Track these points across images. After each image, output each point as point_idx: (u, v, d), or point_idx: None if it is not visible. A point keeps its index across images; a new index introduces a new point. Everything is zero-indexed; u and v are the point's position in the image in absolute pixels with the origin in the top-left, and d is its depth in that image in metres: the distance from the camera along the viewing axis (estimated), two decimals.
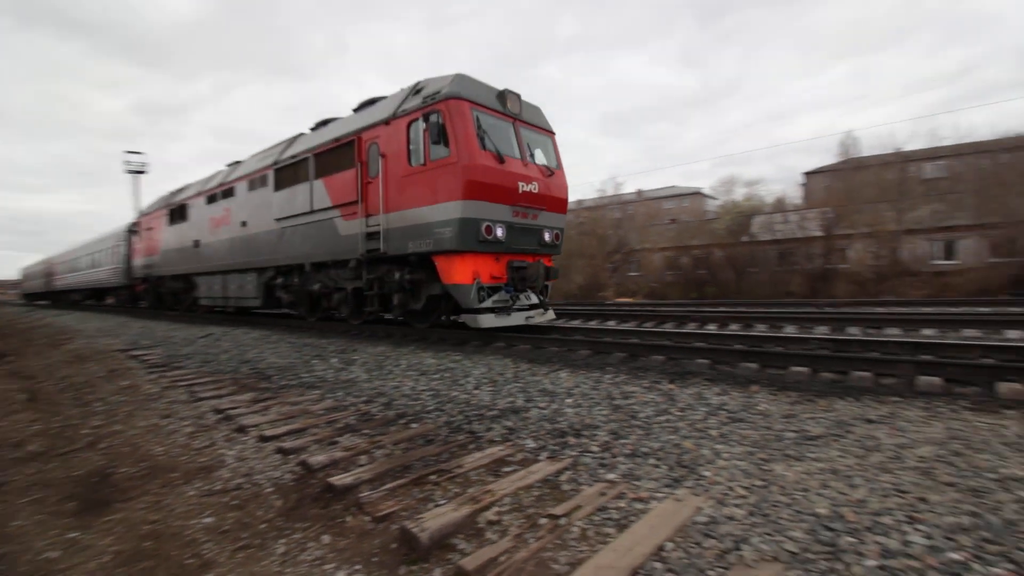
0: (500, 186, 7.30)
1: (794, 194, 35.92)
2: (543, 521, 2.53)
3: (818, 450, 3.16)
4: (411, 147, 7.80)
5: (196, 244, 14.43)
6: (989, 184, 21.60)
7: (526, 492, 2.88)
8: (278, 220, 10.79)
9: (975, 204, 21.83)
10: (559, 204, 8.55)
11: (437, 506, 2.72)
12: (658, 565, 2.09)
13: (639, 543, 2.24)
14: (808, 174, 37.32)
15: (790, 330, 8.20)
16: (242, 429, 4.37)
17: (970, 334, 6.97)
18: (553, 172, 8.50)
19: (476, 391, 5.14)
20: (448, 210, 7.13)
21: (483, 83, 7.87)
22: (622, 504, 2.66)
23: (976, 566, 1.96)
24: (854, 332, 7.66)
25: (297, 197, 10.16)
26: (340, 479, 3.07)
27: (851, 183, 24.25)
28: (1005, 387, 3.86)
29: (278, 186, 10.81)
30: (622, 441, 3.54)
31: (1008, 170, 21.21)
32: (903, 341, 5.63)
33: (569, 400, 4.59)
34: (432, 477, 3.13)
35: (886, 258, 20.90)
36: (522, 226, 7.86)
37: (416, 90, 8.04)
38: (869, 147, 24.96)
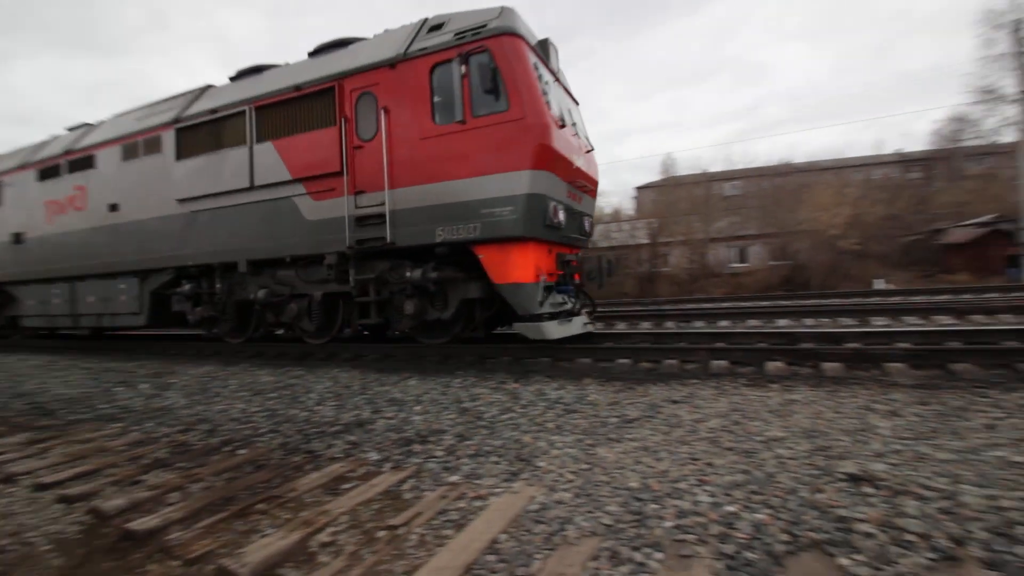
0: (563, 157, 5.85)
1: (628, 206, 40.27)
2: (381, 534, 2.48)
3: (634, 431, 3.57)
4: (437, 99, 5.96)
5: (16, 239, 10.19)
6: (768, 201, 26.67)
7: (365, 507, 2.79)
8: (183, 201, 7.82)
9: (759, 217, 26.74)
10: (595, 187, 7.39)
11: (263, 536, 2.50)
12: (491, 558, 2.18)
13: (475, 540, 2.31)
14: (639, 188, 42.16)
15: (621, 326, 9.17)
16: (10, 479, 3.54)
17: (752, 323, 8.49)
18: (592, 148, 7.31)
19: (319, 407, 4.85)
20: (508, 183, 5.50)
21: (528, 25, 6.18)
22: (462, 504, 2.72)
23: (745, 514, 2.38)
24: (670, 326, 8.84)
25: (222, 168, 7.43)
26: (142, 523, 2.65)
27: (671, 198, 28.06)
28: (771, 365, 4.78)
29: (183, 153, 7.87)
30: (467, 443, 3.62)
31: (780, 191, 26.44)
32: (703, 332, 6.66)
33: (418, 408, 4.56)
34: (260, 506, 2.86)
35: (697, 262, 24.51)
36: (573, 210, 6.53)
37: (434, 26, 6.20)
38: (684, 167, 29.23)
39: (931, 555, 1.97)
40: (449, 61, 5.83)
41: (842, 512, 2.29)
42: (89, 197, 9.09)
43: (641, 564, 2.05)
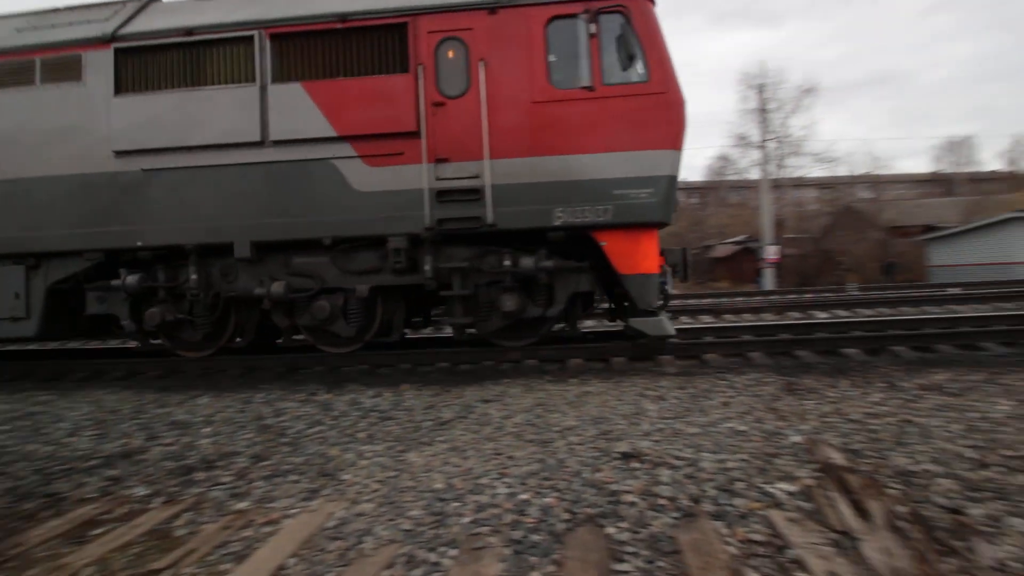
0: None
1: None
2: None
3: (447, 433, 3.64)
4: (553, 57, 5.21)
5: None
6: None
7: (121, 553, 2.34)
8: (126, 155, 5.60)
9: None
10: None
11: None
12: None
13: (258, 570, 2.10)
14: None
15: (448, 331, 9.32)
16: None
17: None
18: None
19: (71, 439, 3.95)
20: (648, 162, 5.00)
21: None
22: (248, 533, 2.45)
23: (535, 500, 2.58)
24: None
25: (207, 112, 5.53)
26: None
27: None
28: (572, 362, 5.32)
29: (127, 86, 5.69)
30: (263, 464, 3.29)
31: None
32: None
33: (207, 429, 4.00)
34: None
35: None
36: None
37: None
38: None
39: (676, 515, 2.36)
40: (572, 16, 5.11)
41: (614, 487, 2.63)
42: None
43: (435, 564, 2.07)
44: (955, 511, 2.26)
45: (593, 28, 5.06)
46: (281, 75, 5.47)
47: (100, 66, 5.67)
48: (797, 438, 3.17)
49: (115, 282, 5.64)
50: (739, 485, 2.61)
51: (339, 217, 5.37)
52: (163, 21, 5.78)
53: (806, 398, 3.99)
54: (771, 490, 2.53)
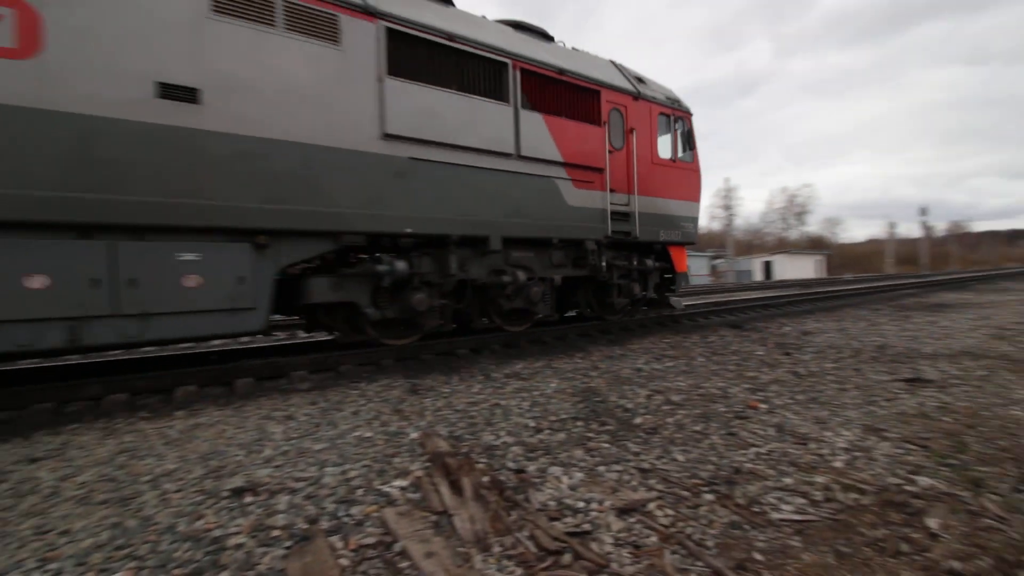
0: None
1: None
2: None
3: None
4: (656, 137, 8.42)
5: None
6: None
7: None
8: (393, 139, 5.53)
9: None
10: None
11: None
12: None
13: None
14: None
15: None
16: None
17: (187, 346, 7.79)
18: None
19: None
20: (691, 209, 9.10)
21: None
22: None
23: None
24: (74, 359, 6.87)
25: (470, 118, 6.07)
26: None
27: None
28: (181, 390, 4.42)
29: (399, 71, 5.62)
30: None
31: None
32: (87, 362, 5.51)
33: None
34: None
35: None
36: None
37: (637, 78, 8.50)
38: None
39: (289, 543, 2.19)
40: (666, 115, 8.65)
41: (217, 533, 2.26)
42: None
43: None
44: (519, 471, 2.90)
45: (675, 125, 8.73)
46: (527, 104, 6.70)
47: (364, 37, 5.40)
48: (415, 434, 3.48)
49: (381, 267, 5.53)
50: (359, 492, 2.65)
51: (558, 223, 7.01)
52: (422, 16, 5.88)
53: (426, 396, 4.47)
54: (387, 489, 2.67)
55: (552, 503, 2.52)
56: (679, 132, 8.76)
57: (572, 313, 8.84)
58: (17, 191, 3.61)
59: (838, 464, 2.97)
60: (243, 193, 4.59)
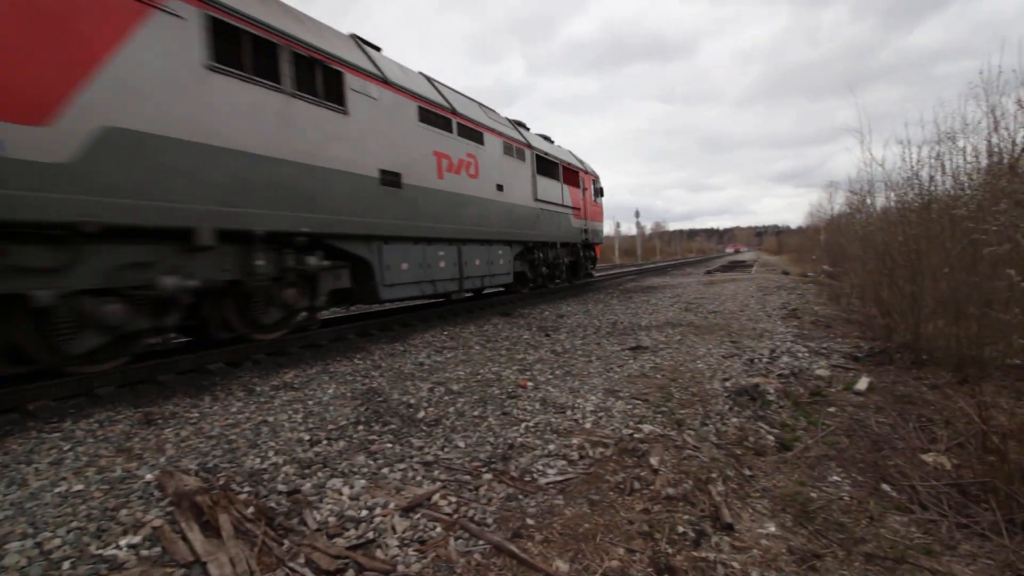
0: None
1: None
2: None
3: None
4: (591, 190, 15.97)
5: (389, 180, 7.20)
6: None
7: None
8: (536, 200, 11.89)
9: None
10: None
11: None
12: None
13: None
14: None
15: None
16: None
17: None
18: None
19: None
20: (602, 226, 17.73)
21: None
22: None
23: None
24: None
25: (522, 176, 11.27)
26: None
27: None
28: None
29: (539, 171, 12.20)
30: None
31: None
32: None
33: None
34: None
35: None
36: None
37: (580, 159, 15.68)
38: None
39: None
40: (593, 179, 16.26)
41: None
42: (481, 170, 9.43)
43: None
44: (292, 492, 2.61)
45: (596, 184, 16.54)
46: (541, 172, 12.25)
47: (530, 159, 11.73)
48: (150, 476, 2.83)
49: (529, 256, 12.23)
50: (66, 567, 2.03)
51: (568, 234, 13.82)
52: (541, 145, 12.88)
53: (166, 426, 3.68)
54: (111, 553, 2.11)
55: (332, 519, 2.34)
56: (595, 187, 16.46)
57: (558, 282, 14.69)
58: (416, 223, 7.57)
59: (588, 425, 3.49)
60: (507, 225, 10.49)
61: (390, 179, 7.08)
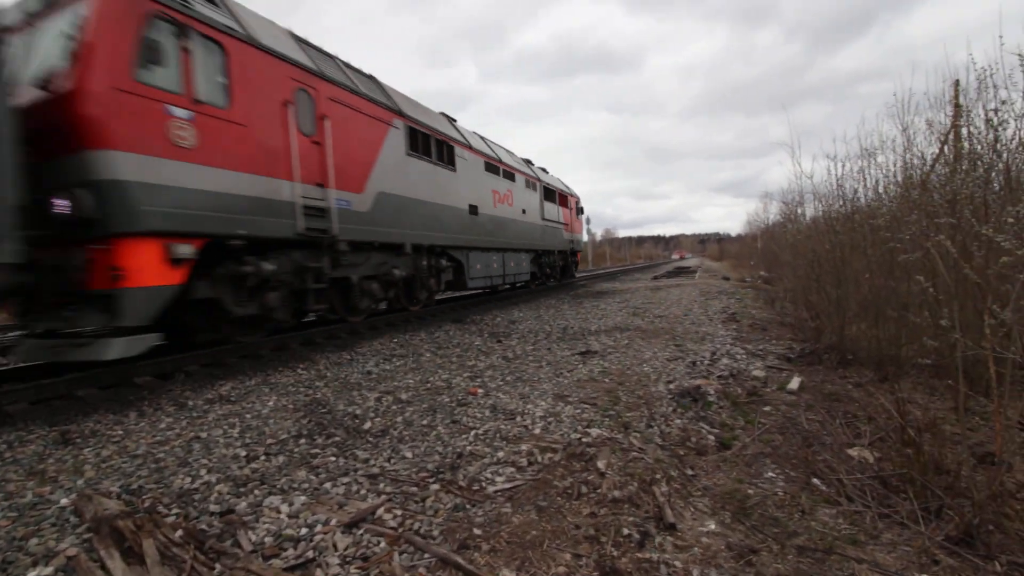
0: None
1: None
2: None
3: None
4: (575, 209, 20.06)
5: (472, 211, 11.27)
6: None
7: None
8: (543, 219, 16.05)
9: None
10: None
11: None
12: None
13: None
14: None
15: None
16: None
17: None
18: None
19: None
20: (581, 237, 22.34)
21: None
22: None
23: None
24: None
25: (533, 202, 15.25)
26: None
27: None
28: None
29: (545, 199, 16.48)
30: None
31: None
32: None
33: None
34: None
35: None
36: None
37: (566, 185, 19.87)
38: None
39: None
40: (577, 202, 20.75)
41: None
42: (513, 200, 13.67)
43: None
44: (226, 512, 2.47)
45: (579, 204, 21.95)
46: (546, 198, 16.33)
47: (539, 189, 16.09)
48: (66, 500, 2.60)
49: (539, 260, 16.86)
50: None
51: (560, 245, 18.10)
52: (541, 176, 17.00)
53: (85, 446, 3.40)
54: None
55: (269, 539, 2.23)
56: (577, 207, 20.21)
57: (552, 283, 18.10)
58: (484, 237, 11.70)
59: (537, 431, 3.50)
60: (528, 238, 14.86)
61: (473, 210, 11.17)
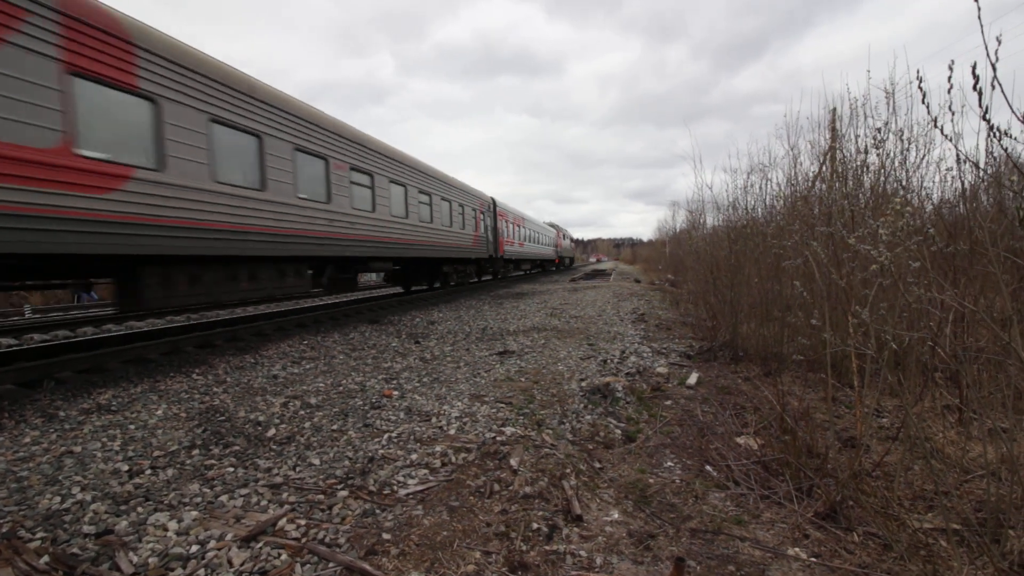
0: None
1: None
2: None
3: None
4: (561, 235, 45.92)
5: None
6: None
7: None
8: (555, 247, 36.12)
9: None
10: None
11: None
12: None
13: None
14: None
15: None
16: None
17: None
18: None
19: None
20: (568, 248, 52.55)
21: None
22: None
23: None
24: None
25: (559, 241, 37.51)
26: None
27: None
28: None
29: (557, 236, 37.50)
30: None
31: None
32: None
33: None
34: None
35: None
36: None
37: (561, 227, 46.82)
38: None
39: None
40: (565, 234, 49.22)
41: None
42: (548, 241, 35.60)
43: None
44: (103, 533, 2.23)
45: (566, 235, 56.77)
46: (558, 237, 39.67)
47: (554, 233, 39.91)
48: None
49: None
50: None
51: (560, 255, 45.86)
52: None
53: None
54: None
55: (154, 559, 2.04)
56: (566, 237, 45.11)
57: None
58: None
59: (452, 431, 3.49)
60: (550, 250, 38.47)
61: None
